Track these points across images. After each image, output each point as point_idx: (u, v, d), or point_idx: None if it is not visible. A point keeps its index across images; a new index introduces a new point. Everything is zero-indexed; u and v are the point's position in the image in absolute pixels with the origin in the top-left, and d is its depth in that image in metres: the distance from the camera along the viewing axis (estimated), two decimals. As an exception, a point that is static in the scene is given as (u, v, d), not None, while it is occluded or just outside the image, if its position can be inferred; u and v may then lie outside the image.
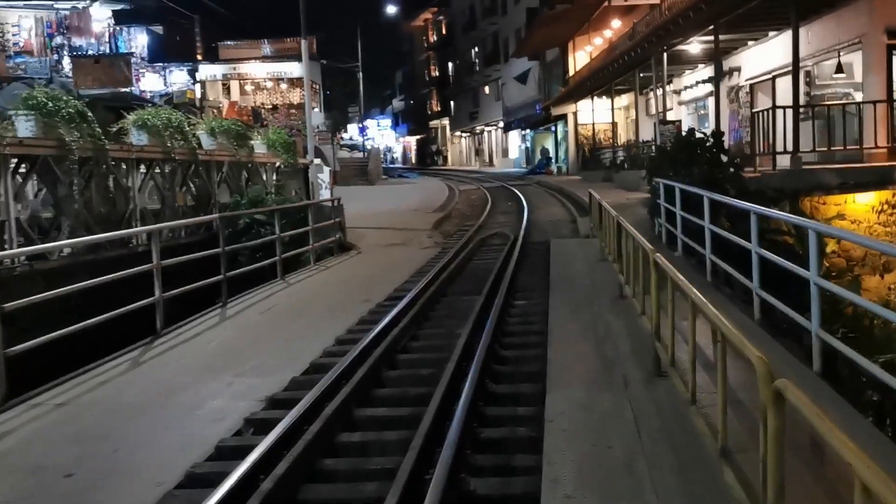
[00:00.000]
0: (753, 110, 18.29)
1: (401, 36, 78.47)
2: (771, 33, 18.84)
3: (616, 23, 29.78)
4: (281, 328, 8.27)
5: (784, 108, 14.55)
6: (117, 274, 7.61)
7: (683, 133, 16.16)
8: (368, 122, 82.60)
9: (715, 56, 17.82)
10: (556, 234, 15.98)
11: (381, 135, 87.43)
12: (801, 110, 14.71)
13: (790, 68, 14.92)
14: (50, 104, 10.28)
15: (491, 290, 9.08)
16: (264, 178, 17.60)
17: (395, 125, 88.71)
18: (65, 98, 10.89)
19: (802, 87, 15.80)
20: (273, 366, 6.60)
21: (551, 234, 15.93)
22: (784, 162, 14.32)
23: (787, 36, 17.14)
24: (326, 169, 21.18)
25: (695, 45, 20.54)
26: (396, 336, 7.11)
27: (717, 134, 13.11)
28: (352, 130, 70.23)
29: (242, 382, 6.16)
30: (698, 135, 13.31)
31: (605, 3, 28.80)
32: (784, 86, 18.32)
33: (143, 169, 12.68)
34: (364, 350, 6.64)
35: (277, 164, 18.15)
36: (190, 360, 6.98)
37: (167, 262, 8.31)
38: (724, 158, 12.62)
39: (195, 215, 13.68)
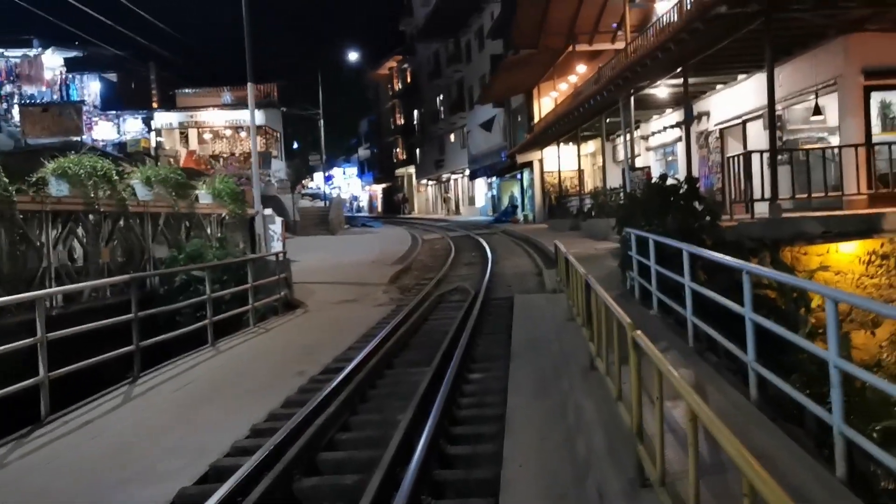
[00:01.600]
0: (726, 156, 17.48)
1: (366, 84, 78.07)
2: (740, 76, 18.16)
3: (581, 68, 29.26)
4: (192, 412, 6.92)
5: (761, 152, 13.67)
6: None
7: (653, 179, 15.22)
8: (335, 171, 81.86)
9: (684, 99, 17.03)
10: (520, 288, 14.81)
11: (348, 183, 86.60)
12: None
13: (760, 112, 14.14)
14: (-57, 151, 9.08)
15: (444, 360, 7.87)
16: (208, 230, 16.30)
17: (360, 173, 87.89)
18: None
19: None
20: (163, 471, 5.27)
21: (516, 288, 14.76)
22: (760, 209, 13.38)
23: (757, 79, 16.48)
24: (278, 219, 19.91)
25: (662, 89, 19.83)
26: (322, 426, 5.84)
27: (691, 180, 12.15)
28: (318, 179, 69.17)
29: (116, 498, 4.85)
30: (670, 181, 12.34)
31: (570, 48, 28.26)
32: (755, 130, 17.59)
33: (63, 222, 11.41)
34: (280, 445, 5.38)
35: (224, 215, 16.89)
36: (62, 462, 5.62)
37: (55, 335, 7.00)
38: (699, 206, 11.65)
39: (125, 272, 12.34)
